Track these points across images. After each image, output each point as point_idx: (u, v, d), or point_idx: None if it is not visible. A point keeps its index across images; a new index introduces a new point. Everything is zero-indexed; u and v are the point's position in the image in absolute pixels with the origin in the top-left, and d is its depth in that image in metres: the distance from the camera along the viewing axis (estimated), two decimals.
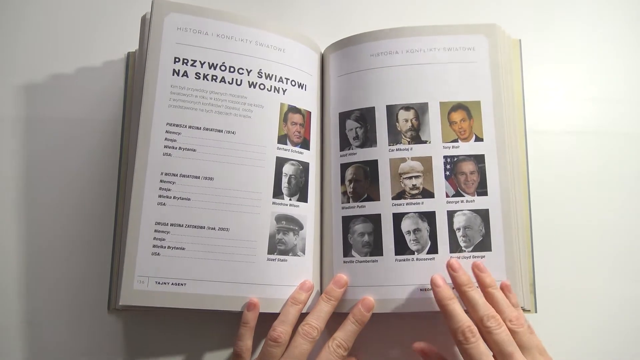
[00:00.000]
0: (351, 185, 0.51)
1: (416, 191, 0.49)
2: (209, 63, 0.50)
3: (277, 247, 0.49)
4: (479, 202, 0.49)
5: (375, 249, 0.49)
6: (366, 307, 0.47)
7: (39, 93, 0.57)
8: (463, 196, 0.49)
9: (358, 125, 0.52)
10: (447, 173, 0.50)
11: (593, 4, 0.62)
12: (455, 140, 0.50)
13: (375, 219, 0.49)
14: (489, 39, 0.52)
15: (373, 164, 0.51)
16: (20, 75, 0.57)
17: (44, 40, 0.58)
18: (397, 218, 0.49)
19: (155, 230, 0.47)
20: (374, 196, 0.50)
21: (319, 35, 0.56)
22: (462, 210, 0.49)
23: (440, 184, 0.49)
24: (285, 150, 0.51)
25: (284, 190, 0.50)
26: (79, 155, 0.55)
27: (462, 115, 0.51)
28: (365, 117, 0.52)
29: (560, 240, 0.54)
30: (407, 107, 0.51)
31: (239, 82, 0.51)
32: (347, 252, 0.50)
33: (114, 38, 0.58)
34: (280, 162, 0.51)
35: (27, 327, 0.51)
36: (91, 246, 0.53)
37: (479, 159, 0.50)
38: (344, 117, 0.53)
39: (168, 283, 0.46)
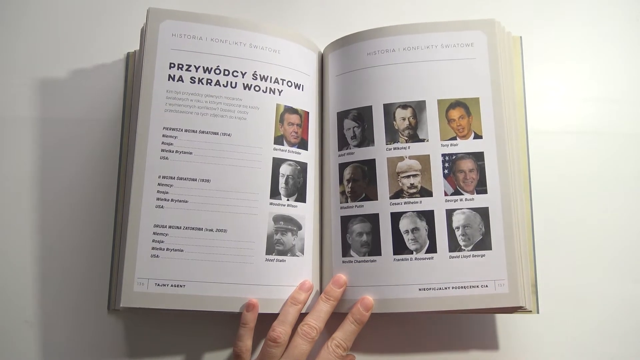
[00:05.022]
0: (349, 185, 0.48)
1: (414, 190, 0.46)
2: (203, 67, 0.49)
3: (276, 248, 0.47)
4: (479, 200, 0.46)
5: (373, 248, 0.46)
6: (365, 306, 0.45)
7: (39, 93, 0.55)
8: (462, 194, 0.46)
9: (355, 124, 0.49)
10: (446, 171, 0.46)
11: (593, 3, 0.59)
12: (454, 138, 0.47)
13: (374, 219, 0.47)
14: (488, 34, 0.49)
15: (371, 163, 0.48)
16: (20, 76, 0.55)
17: (44, 40, 0.56)
18: (395, 217, 0.46)
19: (154, 233, 0.45)
20: (371, 196, 0.47)
21: (319, 34, 0.54)
22: (461, 209, 0.46)
23: (438, 182, 0.46)
24: (282, 150, 0.49)
25: (282, 191, 0.48)
26: (79, 155, 0.54)
27: (461, 113, 0.48)
28: (363, 116, 0.49)
29: (561, 241, 0.52)
30: (404, 106, 0.48)
31: (233, 85, 0.49)
32: (345, 252, 0.47)
33: (113, 38, 0.57)
34: (277, 162, 0.48)
35: (27, 327, 0.50)
36: (91, 246, 0.51)
37: (478, 157, 0.47)
38: (341, 116, 0.50)
39: (167, 285, 0.45)
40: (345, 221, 0.48)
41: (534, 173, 0.51)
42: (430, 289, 0.44)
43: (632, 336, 0.50)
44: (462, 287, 0.44)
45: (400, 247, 0.46)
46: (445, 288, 0.44)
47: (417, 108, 0.48)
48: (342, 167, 0.49)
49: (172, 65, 0.48)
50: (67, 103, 0.55)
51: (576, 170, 0.54)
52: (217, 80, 0.49)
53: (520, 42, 0.52)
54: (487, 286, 0.44)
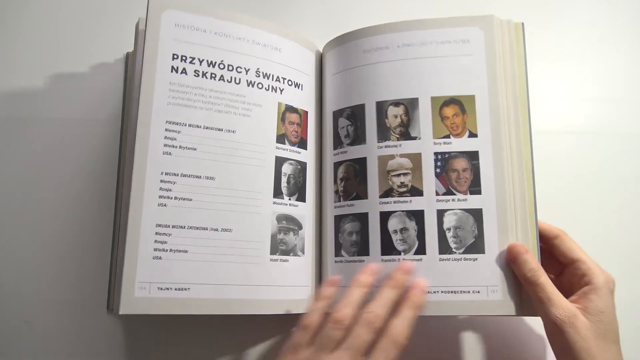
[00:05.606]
0: (342, 184, 0.48)
1: (404, 189, 0.46)
2: (207, 61, 0.48)
3: (279, 248, 0.47)
4: (472, 201, 0.44)
5: (362, 248, 0.46)
6: (420, 289, 0.42)
7: (39, 93, 0.55)
8: (454, 195, 0.45)
9: (349, 123, 0.49)
10: (438, 170, 0.45)
11: (593, 3, 0.58)
12: (447, 136, 0.46)
13: (363, 218, 0.46)
14: (485, 30, 0.47)
15: (362, 162, 0.48)
16: (20, 76, 0.55)
17: (43, 40, 0.56)
18: (384, 217, 0.46)
19: (156, 233, 0.43)
20: (362, 194, 0.47)
21: (320, 34, 0.53)
22: (453, 210, 0.45)
23: (430, 181, 0.45)
24: (284, 149, 0.49)
25: (284, 190, 0.48)
26: (79, 155, 0.54)
27: (455, 110, 0.46)
28: (356, 114, 0.49)
29: None
30: (396, 103, 0.47)
31: (237, 81, 0.48)
32: (337, 251, 0.48)
33: (113, 38, 0.57)
34: (280, 161, 0.48)
35: (27, 327, 0.50)
36: (91, 246, 0.51)
37: (473, 156, 0.45)
38: (337, 115, 0.50)
39: (171, 288, 0.43)
40: (338, 220, 0.48)
41: (534, 174, 0.48)
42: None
43: (632, 336, 0.48)
44: (452, 292, 0.43)
45: (388, 248, 0.45)
46: (435, 292, 0.43)
47: (410, 105, 0.47)
48: (337, 166, 0.49)
49: (175, 56, 0.47)
50: (67, 103, 0.55)
51: (576, 170, 0.53)
52: (222, 75, 0.48)
53: (522, 28, 0.48)
54: (479, 292, 0.43)
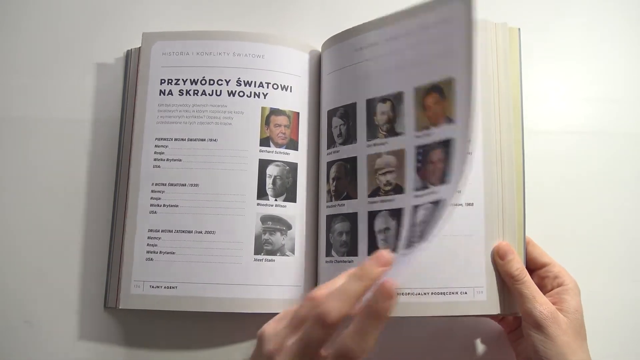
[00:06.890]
0: (334, 184, 0.47)
1: (389, 187, 0.44)
2: (190, 79, 0.51)
3: (264, 248, 0.47)
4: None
5: (351, 248, 0.45)
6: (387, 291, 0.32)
7: (39, 93, 0.55)
8: (428, 188, 0.41)
9: (342, 122, 0.48)
10: (420, 165, 0.42)
11: (593, 3, 0.56)
12: (427, 127, 0.42)
13: (353, 218, 0.45)
14: (464, 4, 0.42)
15: (353, 161, 0.46)
16: (20, 76, 0.55)
17: (43, 40, 0.56)
18: (372, 216, 0.44)
19: (149, 237, 0.48)
20: (352, 194, 0.46)
21: (321, 33, 0.53)
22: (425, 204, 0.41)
23: (411, 177, 0.43)
24: (269, 152, 0.49)
25: (269, 191, 0.49)
26: (78, 156, 0.54)
27: (436, 98, 0.42)
28: (349, 113, 0.47)
29: (560, 242, 0.49)
30: (384, 100, 0.45)
31: (218, 93, 0.51)
32: (328, 251, 0.46)
33: (113, 38, 0.56)
34: (264, 164, 0.49)
35: (27, 327, 0.50)
36: (89, 245, 0.52)
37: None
38: (331, 114, 0.49)
39: (161, 287, 0.47)
40: (330, 220, 0.47)
41: (532, 174, 0.47)
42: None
43: (632, 336, 0.47)
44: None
45: (373, 248, 0.43)
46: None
47: (396, 101, 0.45)
48: (329, 165, 0.48)
49: (163, 81, 0.51)
50: (66, 103, 0.55)
51: (576, 170, 0.52)
52: (203, 90, 0.51)
53: (519, 34, 0.47)
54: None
